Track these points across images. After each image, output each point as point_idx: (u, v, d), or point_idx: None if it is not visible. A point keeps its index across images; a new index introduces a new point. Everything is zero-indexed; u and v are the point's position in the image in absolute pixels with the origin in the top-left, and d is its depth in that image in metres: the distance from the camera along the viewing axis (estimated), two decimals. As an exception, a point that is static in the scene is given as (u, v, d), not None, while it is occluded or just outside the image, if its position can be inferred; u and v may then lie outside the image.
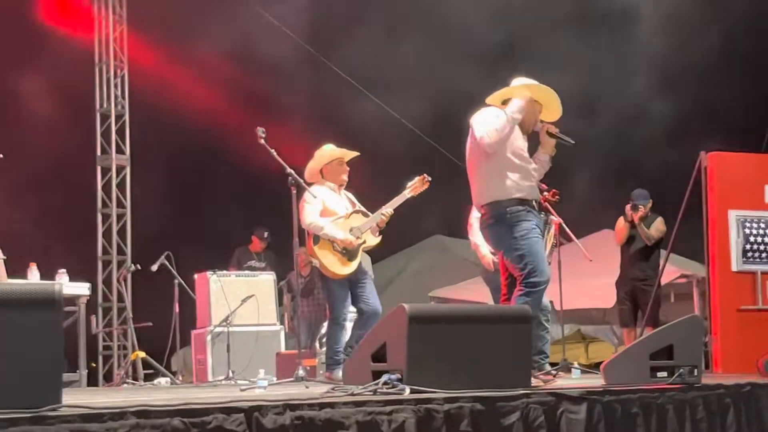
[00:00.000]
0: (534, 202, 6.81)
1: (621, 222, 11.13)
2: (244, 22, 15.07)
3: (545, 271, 6.71)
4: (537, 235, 6.73)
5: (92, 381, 11.99)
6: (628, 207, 10.94)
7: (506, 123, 6.63)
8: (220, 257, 12.75)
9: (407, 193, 8.59)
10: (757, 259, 8.52)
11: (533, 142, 6.97)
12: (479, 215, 7.00)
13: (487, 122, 6.64)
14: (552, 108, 6.96)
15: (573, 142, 6.83)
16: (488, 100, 6.94)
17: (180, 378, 11.54)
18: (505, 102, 6.86)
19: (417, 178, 8.62)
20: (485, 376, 5.23)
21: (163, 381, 10.05)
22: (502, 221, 6.66)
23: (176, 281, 10.83)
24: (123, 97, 14.96)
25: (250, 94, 15.45)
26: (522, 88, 6.87)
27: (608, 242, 11.78)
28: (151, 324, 11.23)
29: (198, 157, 15.77)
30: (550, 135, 6.87)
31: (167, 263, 10.73)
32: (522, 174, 6.74)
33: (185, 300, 11.06)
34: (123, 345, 14.15)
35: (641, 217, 10.86)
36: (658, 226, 10.95)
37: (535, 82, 6.91)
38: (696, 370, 5.89)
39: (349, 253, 8.46)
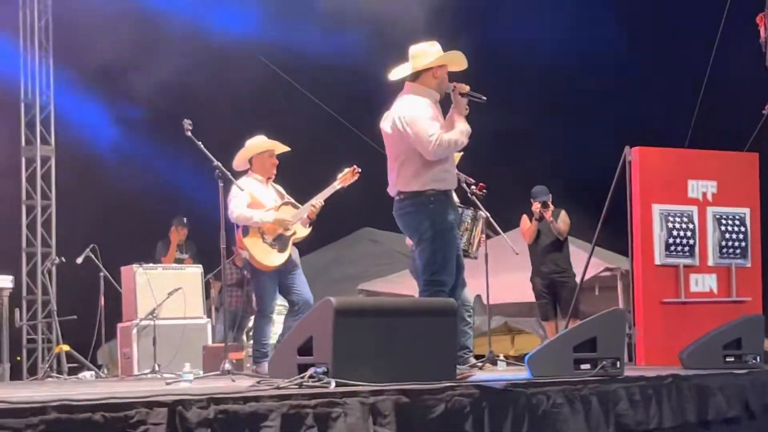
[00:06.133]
0: (452, 192, 6.77)
1: (526, 221, 11.24)
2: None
3: (453, 271, 6.60)
4: (455, 235, 6.70)
5: (16, 374, 11.82)
6: (536, 205, 11.01)
7: (461, 142, 6.57)
8: (144, 250, 12.63)
9: (337, 185, 8.57)
10: (680, 253, 8.64)
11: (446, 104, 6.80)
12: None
13: (428, 129, 6.44)
14: (458, 62, 6.79)
15: (484, 98, 6.63)
16: (392, 77, 6.78)
17: (105, 372, 11.42)
18: (415, 78, 6.67)
19: (347, 170, 8.58)
20: (411, 369, 5.26)
21: (87, 375, 9.93)
22: (423, 212, 6.55)
23: (102, 274, 10.73)
24: (48, 87, 14.78)
25: (178, 88, 15.28)
26: (434, 61, 6.67)
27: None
28: (75, 317, 11.09)
29: (124, 148, 15.58)
30: (462, 95, 6.64)
31: (92, 256, 10.62)
32: (449, 163, 6.71)
33: (111, 293, 10.95)
34: (47, 338, 13.99)
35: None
36: (564, 219, 11.12)
37: (434, 49, 6.72)
38: (619, 363, 5.99)
39: (279, 244, 8.43)
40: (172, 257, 12.51)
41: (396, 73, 6.83)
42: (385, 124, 6.76)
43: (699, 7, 14.87)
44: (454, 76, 6.81)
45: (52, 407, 3.86)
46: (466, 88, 6.69)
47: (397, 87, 6.86)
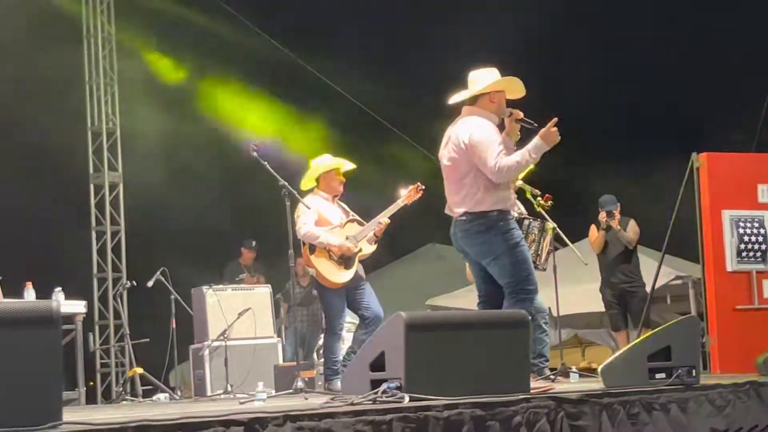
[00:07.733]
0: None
1: (594, 231, 11.15)
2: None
3: (535, 278, 6.78)
4: (525, 244, 6.88)
5: (91, 399, 11.95)
6: (602, 215, 10.93)
7: (525, 163, 6.66)
8: (214, 271, 12.74)
9: (401, 202, 8.63)
10: (752, 259, 8.52)
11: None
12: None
13: (495, 150, 6.49)
14: (516, 89, 6.90)
15: (536, 125, 6.74)
16: (451, 101, 6.86)
17: (179, 393, 11.52)
18: (473, 102, 6.76)
19: (411, 187, 8.65)
20: (484, 382, 5.23)
21: (161, 397, 10.03)
22: (494, 229, 6.61)
23: (172, 297, 10.83)
24: (114, 114, 14.99)
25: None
26: (492, 85, 6.77)
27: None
28: (148, 340, 11.23)
29: (191, 172, 15.74)
30: (516, 120, 6.81)
31: (163, 279, 10.72)
32: (509, 186, 6.83)
33: (182, 315, 11.05)
34: (121, 362, 14.16)
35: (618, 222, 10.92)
36: (633, 229, 11.01)
37: (492, 75, 6.81)
38: (694, 371, 5.90)
39: (345, 262, 8.48)
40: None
41: (454, 98, 6.89)
42: (447, 147, 6.79)
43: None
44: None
45: (131, 428, 3.90)
46: (520, 115, 6.81)
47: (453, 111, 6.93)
